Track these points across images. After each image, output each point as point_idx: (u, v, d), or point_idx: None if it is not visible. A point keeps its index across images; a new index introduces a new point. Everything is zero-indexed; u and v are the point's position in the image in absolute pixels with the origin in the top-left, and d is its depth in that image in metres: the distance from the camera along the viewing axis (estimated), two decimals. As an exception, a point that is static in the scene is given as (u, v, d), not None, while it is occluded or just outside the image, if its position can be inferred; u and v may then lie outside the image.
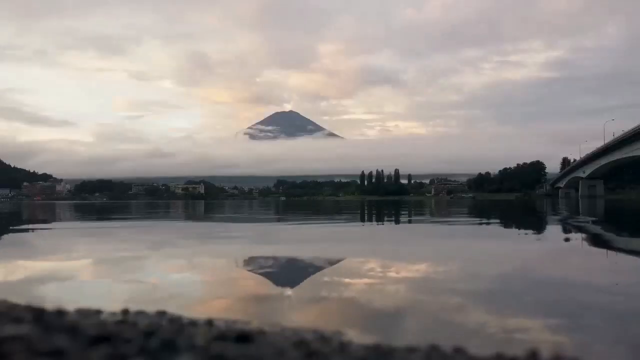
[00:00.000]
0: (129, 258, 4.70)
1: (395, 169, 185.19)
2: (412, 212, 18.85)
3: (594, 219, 12.09)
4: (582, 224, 9.68)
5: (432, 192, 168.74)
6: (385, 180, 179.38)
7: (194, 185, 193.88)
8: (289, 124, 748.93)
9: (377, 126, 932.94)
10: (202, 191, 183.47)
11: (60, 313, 1.40)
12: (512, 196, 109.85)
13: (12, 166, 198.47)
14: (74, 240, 7.25)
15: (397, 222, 11.56)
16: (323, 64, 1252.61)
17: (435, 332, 1.96)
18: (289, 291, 2.98)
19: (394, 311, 2.35)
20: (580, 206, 24.58)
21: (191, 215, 16.77)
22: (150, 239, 7.29)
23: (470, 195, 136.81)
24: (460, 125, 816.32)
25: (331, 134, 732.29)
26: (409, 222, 11.84)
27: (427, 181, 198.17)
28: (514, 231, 8.83)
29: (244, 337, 1.20)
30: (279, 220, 12.57)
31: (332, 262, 4.25)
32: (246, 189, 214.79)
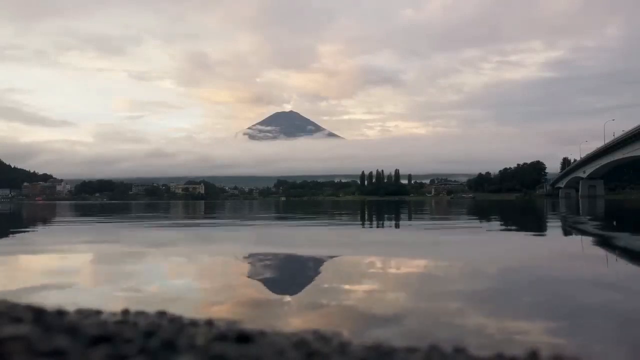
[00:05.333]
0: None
1: (396, 169, 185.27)
2: (413, 214, 18.84)
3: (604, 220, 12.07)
4: (595, 226, 9.68)
5: (432, 192, 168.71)
6: (385, 181, 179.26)
7: (194, 186, 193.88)
8: (289, 124, 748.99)
9: (377, 126, 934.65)
10: (202, 191, 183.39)
11: (60, 313, 1.40)
12: (512, 196, 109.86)
13: (12, 166, 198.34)
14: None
15: (398, 225, 11.52)
16: (323, 64, 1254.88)
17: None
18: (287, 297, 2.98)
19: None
20: (580, 206, 24.58)
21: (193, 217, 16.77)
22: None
23: (471, 195, 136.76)
24: (460, 125, 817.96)
25: (331, 134, 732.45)
26: (410, 220, 11.85)
27: (427, 181, 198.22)
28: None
29: (244, 338, 1.20)
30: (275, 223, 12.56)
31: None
32: (246, 189, 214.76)
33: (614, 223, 10.31)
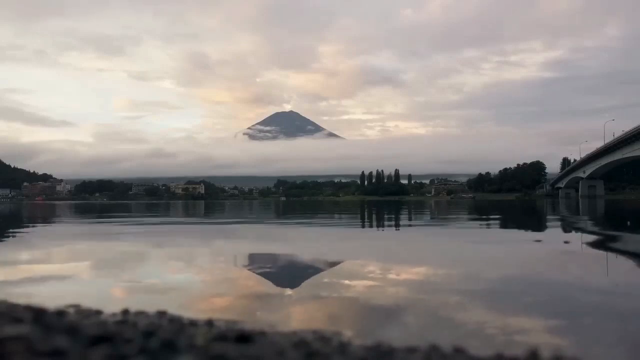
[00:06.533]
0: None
1: (395, 169, 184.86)
2: (414, 215, 18.84)
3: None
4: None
5: (432, 193, 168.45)
6: (385, 181, 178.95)
7: (194, 186, 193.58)
8: (289, 124, 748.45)
9: (377, 126, 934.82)
10: (202, 191, 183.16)
11: (60, 313, 1.40)
12: (512, 196, 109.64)
13: (12, 166, 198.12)
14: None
15: (398, 227, 11.50)
16: (323, 64, 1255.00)
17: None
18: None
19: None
20: (580, 207, 24.55)
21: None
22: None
23: (471, 195, 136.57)
24: (460, 125, 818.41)
25: (331, 134, 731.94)
26: (411, 220, 11.83)
27: (427, 181, 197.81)
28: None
29: (244, 338, 1.20)
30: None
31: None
32: (246, 189, 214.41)
33: (628, 223, 10.28)
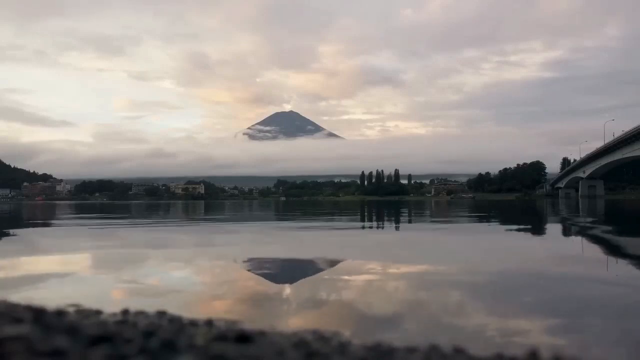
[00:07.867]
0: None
1: (395, 169, 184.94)
2: (415, 215, 18.81)
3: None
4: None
5: (432, 193, 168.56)
6: (385, 181, 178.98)
7: (194, 186, 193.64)
8: (289, 124, 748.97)
9: (377, 126, 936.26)
10: (202, 191, 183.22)
11: (60, 313, 1.40)
12: (512, 196, 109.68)
13: (12, 166, 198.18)
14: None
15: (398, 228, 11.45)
16: (323, 64, 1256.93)
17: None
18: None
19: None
20: (580, 207, 24.53)
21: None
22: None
23: (470, 195, 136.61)
24: (460, 125, 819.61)
25: (331, 134, 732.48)
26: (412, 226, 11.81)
27: (427, 181, 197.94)
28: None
29: (244, 338, 1.20)
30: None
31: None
32: (246, 189, 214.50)
33: None
